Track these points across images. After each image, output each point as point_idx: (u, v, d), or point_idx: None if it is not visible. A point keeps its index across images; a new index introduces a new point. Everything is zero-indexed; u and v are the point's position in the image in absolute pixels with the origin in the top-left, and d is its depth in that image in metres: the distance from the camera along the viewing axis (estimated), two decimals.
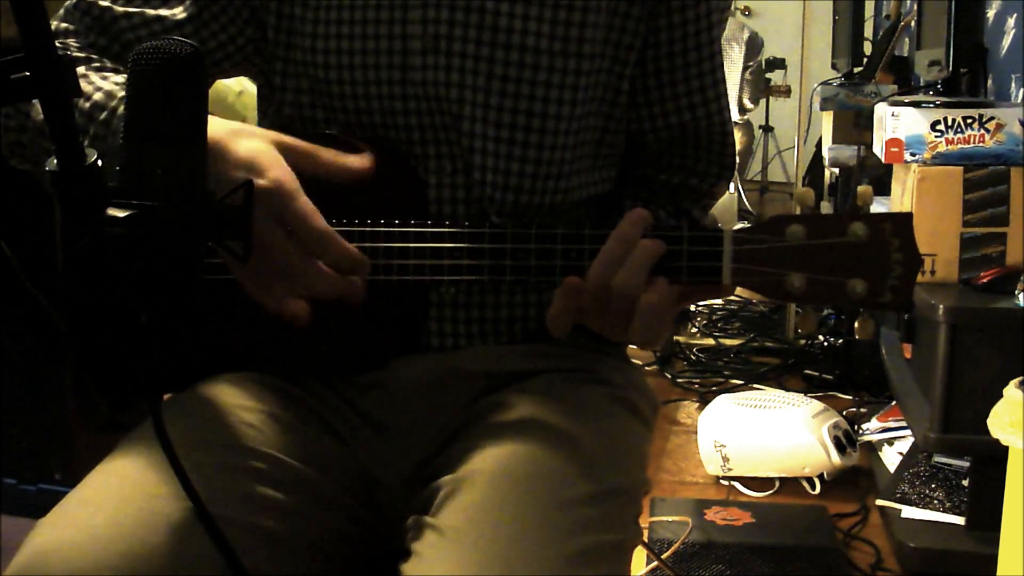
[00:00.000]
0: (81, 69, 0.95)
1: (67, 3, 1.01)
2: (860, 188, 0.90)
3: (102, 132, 0.90)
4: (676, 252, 0.88)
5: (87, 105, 0.92)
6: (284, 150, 0.87)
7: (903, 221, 0.86)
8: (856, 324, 0.93)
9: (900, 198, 2.16)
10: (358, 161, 0.91)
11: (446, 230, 0.91)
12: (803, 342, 3.48)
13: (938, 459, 2.28)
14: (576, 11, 0.97)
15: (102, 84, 0.93)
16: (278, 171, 0.84)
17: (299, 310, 0.88)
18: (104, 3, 0.99)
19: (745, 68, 5.58)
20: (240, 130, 0.87)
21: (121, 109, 0.90)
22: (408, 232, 0.91)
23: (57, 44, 0.96)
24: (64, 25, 1.00)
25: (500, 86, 0.97)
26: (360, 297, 0.89)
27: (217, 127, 0.84)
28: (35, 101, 0.92)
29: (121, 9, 0.99)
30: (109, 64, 0.98)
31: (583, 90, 0.99)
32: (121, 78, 0.95)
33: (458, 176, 1.00)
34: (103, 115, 0.91)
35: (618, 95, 1.03)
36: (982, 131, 2.03)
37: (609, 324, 0.89)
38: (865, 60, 3.86)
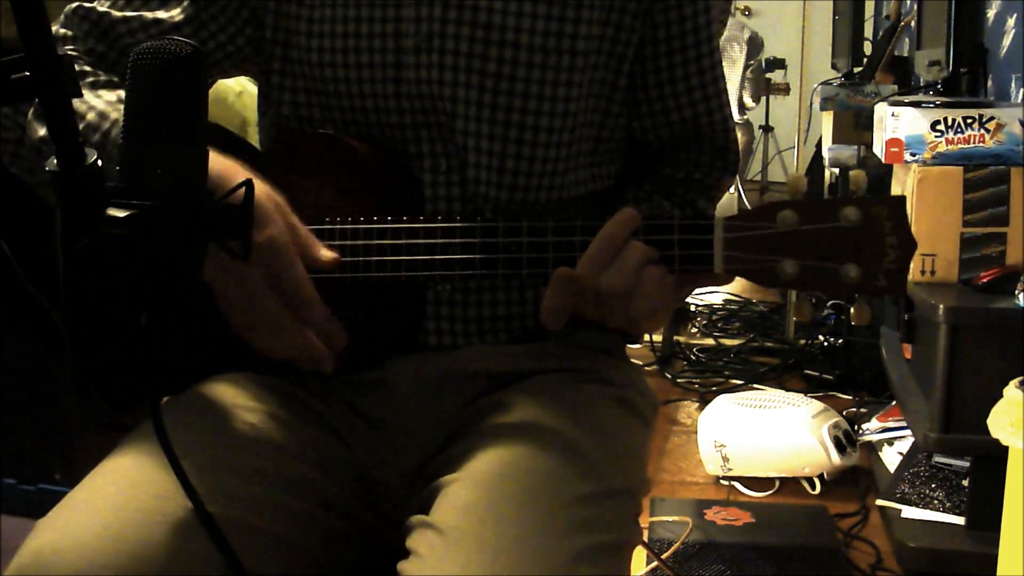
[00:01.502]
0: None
1: (66, 9, 1.01)
2: (853, 173, 0.88)
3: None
4: (667, 241, 0.88)
5: (81, 126, 0.92)
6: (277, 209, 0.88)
7: (896, 205, 0.85)
8: (852, 310, 0.92)
9: None
10: (327, 256, 0.90)
11: (438, 226, 0.91)
12: (803, 342, 3.48)
13: (938, 459, 2.28)
14: (570, 8, 0.97)
15: (95, 103, 0.93)
16: (277, 228, 0.85)
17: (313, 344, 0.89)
18: (102, 8, 0.99)
19: (746, 67, 5.58)
20: (240, 170, 0.87)
21: (115, 131, 0.90)
22: (400, 229, 0.91)
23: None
24: (63, 31, 1.00)
25: (493, 84, 0.97)
26: (330, 365, 0.90)
27: (222, 168, 0.85)
28: (33, 120, 0.92)
29: (119, 14, 0.99)
30: (103, 78, 0.98)
31: (577, 87, 0.99)
32: (114, 95, 0.94)
33: (453, 174, 1.00)
34: (96, 137, 0.91)
35: (615, 92, 1.03)
36: (982, 131, 2.03)
37: (605, 315, 0.89)
38: (865, 60, 3.86)
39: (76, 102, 0.92)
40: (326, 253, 0.90)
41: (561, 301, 0.89)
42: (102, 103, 0.93)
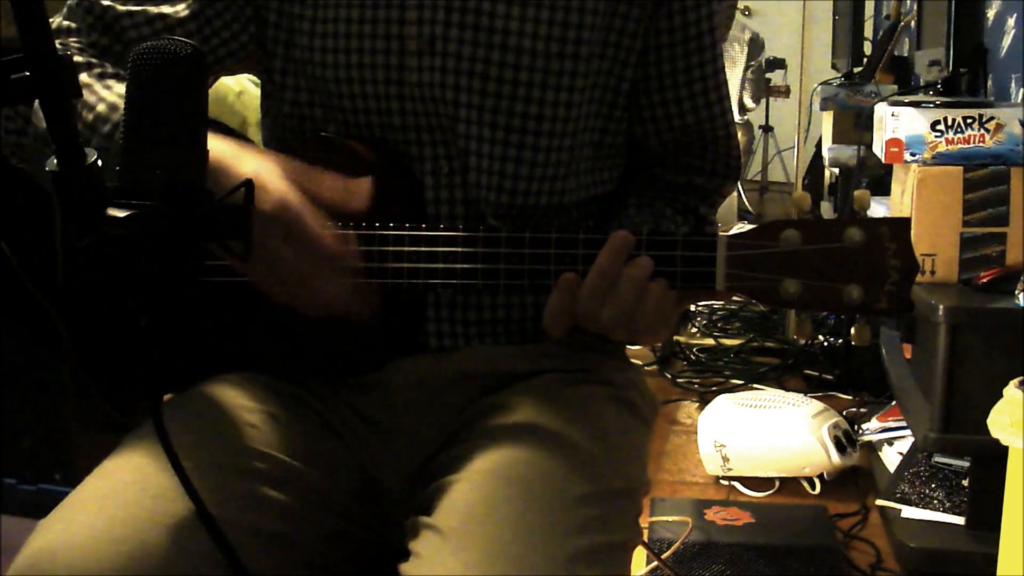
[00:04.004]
0: (84, 77, 0.95)
1: (69, 2, 1.01)
2: (857, 192, 0.89)
3: (104, 144, 0.90)
4: (670, 257, 0.88)
5: (90, 117, 0.92)
6: (287, 171, 0.87)
7: (900, 226, 0.86)
8: (852, 330, 0.92)
9: (900, 198, 2.16)
10: (358, 188, 0.90)
11: (440, 234, 0.91)
12: (803, 342, 3.48)
13: (938, 459, 2.28)
14: (573, 13, 0.97)
15: (105, 95, 0.93)
16: (279, 192, 0.84)
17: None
18: (106, 2, 0.99)
19: (746, 68, 5.57)
20: (243, 151, 0.87)
21: None
22: (403, 235, 0.91)
23: (59, 43, 0.96)
24: (67, 23, 1.00)
25: (496, 88, 0.97)
26: (373, 307, 0.89)
27: (221, 147, 0.84)
28: (35, 107, 0.92)
29: (123, 8, 0.99)
30: (111, 70, 0.98)
31: (580, 92, 0.99)
32: (123, 87, 0.95)
33: (455, 177, 1.00)
34: (106, 128, 0.91)
35: (617, 97, 1.03)
36: (982, 131, 2.03)
37: (607, 333, 0.90)
38: (865, 60, 3.86)
39: (85, 92, 0.92)
40: (358, 199, 0.89)
41: (564, 308, 0.89)
42: (112, 95, 0.93)
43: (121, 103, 0.92)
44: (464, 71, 0.97)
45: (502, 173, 0.99)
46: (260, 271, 0.85)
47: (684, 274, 0.88)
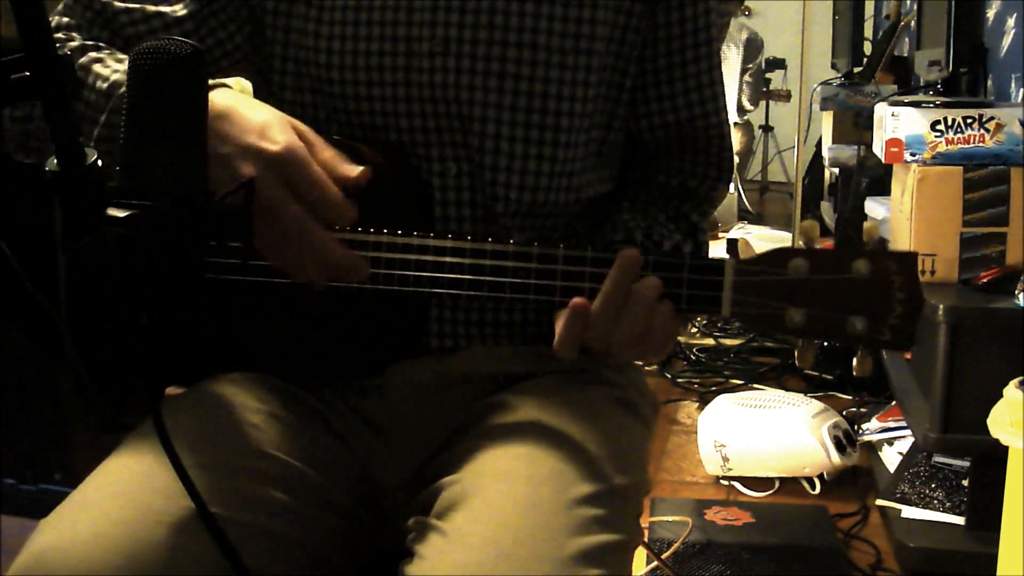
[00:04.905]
0: (93, 54, 0.95)
1: None
2: (867, 224, 0.88)
3: (120, 105, 0.90)
4: (677, 280, 0.88)
5: (104, 86, 0.92)
6: (293, 128, 0.87)
7: (907, 260, 0.86)
8: (854, 361, 0.92)
9: (900, 198, 2.16)
10: (355, 171, 0.89)
11: (447, 244, 0.90)
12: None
13: (938, 459, 2.28)
14: (585, 8, 0.98)
15: (119, 67, 0.93)
16: (289, 137, 0.85)
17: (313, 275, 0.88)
18: None
19: (744, 70, 5.58)
20: (254, 101, 0.87)
21: None
22: (410, 244, 0.91)
23: (60, 37, 0.97)
24: (66, 19, 1.00)
25: (512, 85, 0.97)
26: (366, 273, 0.89)
27: (229, 95, 0.85)
28: None
29: (121, 5, 0.99)
30: (119, 54, 0.98)
31: (593, 87, 0.99)
32: None
33: (463, 178, 1.00)
34: (123, 89, 0.91)
35: (621, 93, 1.04)
36: (982, 131, 2.03)
37: (616, 351, 0.89)
38: (865, 60, 3.86)
39: (97, 66, 0.93)
40: (354, 168, 0.89)
41: (574, 333, 0.88)
42: (126, 65, 0.93)
43: None
44: (480, 71, 0.97)
45: (522, 171, 0.99)
46: (263, 223, 0.84)
47: (690, 297, 0.88)
